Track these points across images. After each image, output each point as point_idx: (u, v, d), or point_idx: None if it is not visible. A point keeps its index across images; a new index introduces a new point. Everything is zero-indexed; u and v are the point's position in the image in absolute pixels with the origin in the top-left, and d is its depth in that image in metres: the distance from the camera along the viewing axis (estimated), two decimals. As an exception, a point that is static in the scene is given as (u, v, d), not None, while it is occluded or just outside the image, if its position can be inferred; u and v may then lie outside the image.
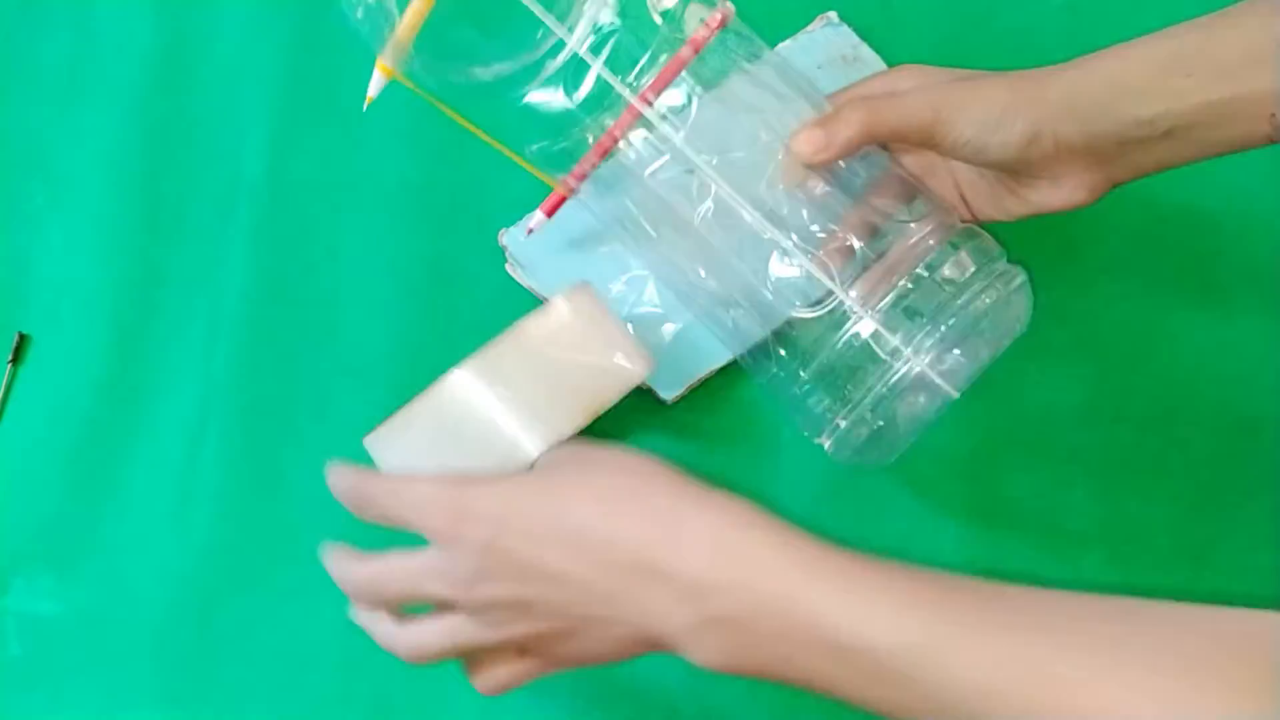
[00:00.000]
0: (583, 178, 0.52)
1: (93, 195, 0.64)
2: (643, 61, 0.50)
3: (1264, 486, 0.59)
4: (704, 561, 0.40)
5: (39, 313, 0.63)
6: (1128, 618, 0.38)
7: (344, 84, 0.66)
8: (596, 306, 0.51)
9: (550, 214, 0.54)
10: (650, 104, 0.50)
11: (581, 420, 0.50)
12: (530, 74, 0.50)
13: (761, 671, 0.41)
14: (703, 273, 0.53)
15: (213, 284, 0.63)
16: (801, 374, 0.51)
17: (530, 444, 0.48)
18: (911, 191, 0.52)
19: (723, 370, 0.59)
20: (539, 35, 0.49)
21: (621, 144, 0.51)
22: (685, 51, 0.50)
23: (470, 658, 0.47)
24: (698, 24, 0.50)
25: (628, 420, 0.59)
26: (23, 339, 0.62)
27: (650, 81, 0.50)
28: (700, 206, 0.51)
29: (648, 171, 0.51)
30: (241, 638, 0.58)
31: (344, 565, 0.47)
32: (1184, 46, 0.48)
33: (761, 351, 0.53)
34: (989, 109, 0.48)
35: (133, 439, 0.61)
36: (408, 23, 0.49)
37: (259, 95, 0.65)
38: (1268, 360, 0.61)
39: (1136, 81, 0.48)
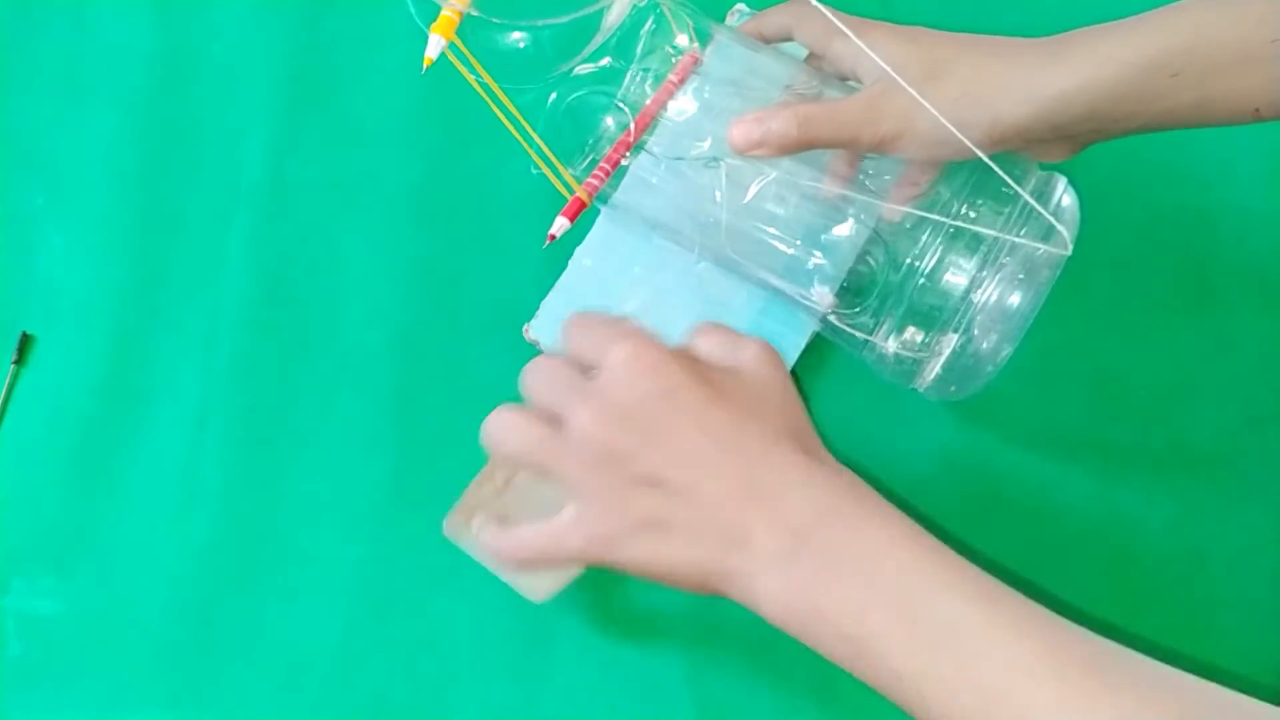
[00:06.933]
0: (605, 176, 0.52)
1: (93, 195, 0.64)
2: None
3: (1264, 486, 0.59)
4: (809, 513, 0.41)
5: (40, 313, 0.63)
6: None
7: (344, 84, 0.66)
8: None
9: (573, 219, 0.54)
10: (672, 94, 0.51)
11: None
12: (575, 47, 0.51)
13: (820, 616, 0.40)
14: (775, 235, 0.53)
15: (213, 284, 0.63)
16: (890, 317, 0.52)
17: None
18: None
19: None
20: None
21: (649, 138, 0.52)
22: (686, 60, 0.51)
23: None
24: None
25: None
26: (26, 339, 0.62)
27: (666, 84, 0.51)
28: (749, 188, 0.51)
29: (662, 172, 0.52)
30: (241, 638, 0.58)
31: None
32: (1173, 44, 0.46)
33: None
34: (943, 121, 0.46)
35: (133, 439, 0.61)
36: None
37: (259, 96, 0.65)
38: (1268, 360, 0.61)
39: (1116, 86, 0.46)
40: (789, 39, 0.54)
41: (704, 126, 0.52)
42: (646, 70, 0.53)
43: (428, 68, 0.48)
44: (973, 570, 0.40)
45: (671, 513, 0.42)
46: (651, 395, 0.42)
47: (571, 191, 0.53)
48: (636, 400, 0.42)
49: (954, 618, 0.39)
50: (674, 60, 0.53)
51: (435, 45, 0.48)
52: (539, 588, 0.55)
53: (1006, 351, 0.50)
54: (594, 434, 0.43)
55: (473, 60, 0.49)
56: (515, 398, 0.47)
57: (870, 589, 0.40)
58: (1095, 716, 0.36)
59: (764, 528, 0.41)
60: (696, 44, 0.53)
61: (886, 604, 0.39)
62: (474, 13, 0.48)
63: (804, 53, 0.55)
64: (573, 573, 0.54)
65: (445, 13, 0.48)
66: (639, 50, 0.53)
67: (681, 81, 0.52)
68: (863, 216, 0.52)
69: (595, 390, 0.43)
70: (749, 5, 0.65)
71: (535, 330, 0.60)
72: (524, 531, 0.45)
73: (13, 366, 0.61)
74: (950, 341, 0.50)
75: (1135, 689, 0.37)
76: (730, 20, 0.65)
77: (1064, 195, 0.51)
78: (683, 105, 0.53)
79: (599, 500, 0.43)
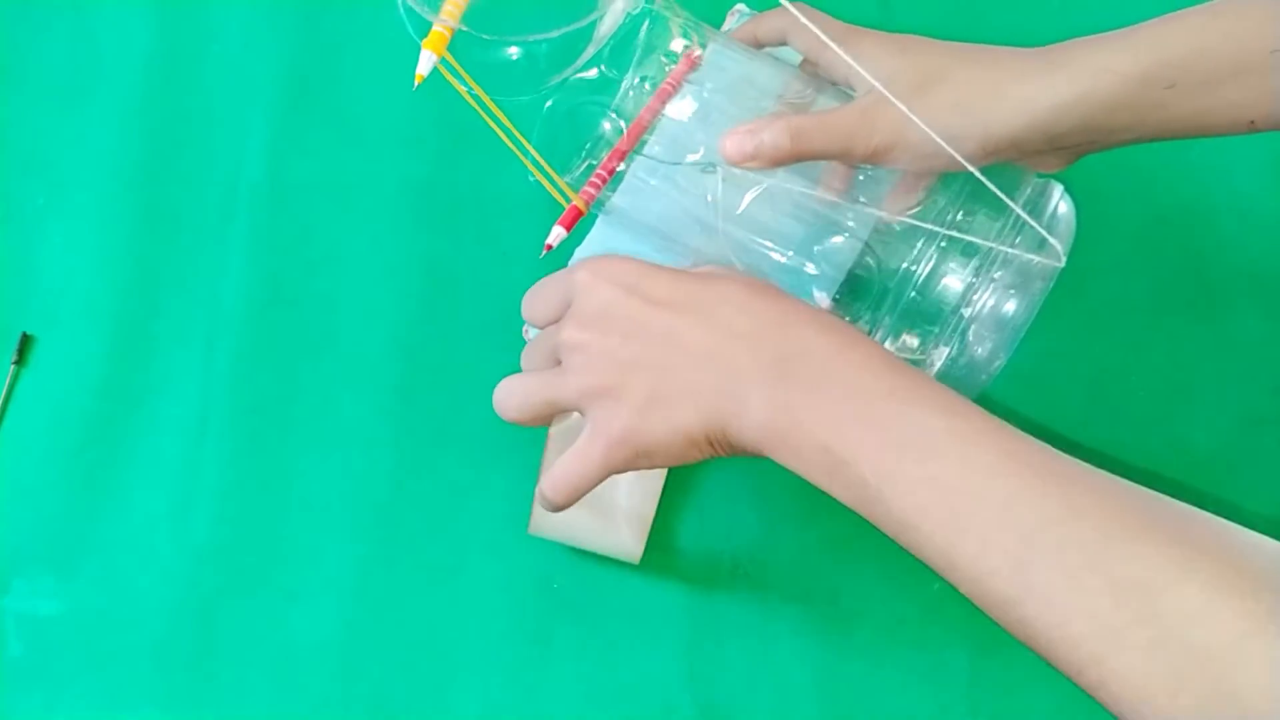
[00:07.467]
0: (601, 184, 0.52)
1: (93, 196, 0.65)
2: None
3: (1264, 486, 0.59)
4: (790, 344, 0.43)
5: (40, 313, 0.63)
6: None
7: (344, 85, 0.66)
8: None
9: (569, 228, 0.54)
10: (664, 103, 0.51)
11: None
12: (568, 57, 0.51)
13: (801, 429, 0.41)
14: (770, 243, 0.53)
15: (213, 284, 0.63)
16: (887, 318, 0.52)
17: None
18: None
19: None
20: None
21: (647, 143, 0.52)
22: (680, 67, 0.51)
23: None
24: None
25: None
26: (26, 339, 0.62)
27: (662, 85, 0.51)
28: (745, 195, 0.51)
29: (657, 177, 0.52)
30: (241, 638, 0.58)
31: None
32: (1169, 55, 0.46)
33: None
34: (937, 131, 0.46)
35: (133, 439, 0.61)
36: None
37: (259, 96, 0.66)
38: (1267, 360, 0.61)
39: (1112, 97, 0.46)
40: (785, 43, 0.54)
41: (697, 135, 0.52)
42: (642, 78, 0.53)
43: (419, 84, 0.48)
44: (943, 389, 0.42)
45: (667, 382, 0.43)
46: (619, 293, 0.44)
47: (568, 200, 0.53)
48: (606, 301, 0.45)
49: (920, 425, 0.40)
50: (668, 68, 0.53)
51: (427, 61, 0.48)
52: (625, 545, 0.57)
53: (1001, 360, 0.50)
54: (578, 340, 0.45)
55: (465, 75, 0.49)
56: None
57: (847, 403, 0.41)
58: (1043, 503, 0.38)
59: (749, 359, 0.42)
60: (696, 45, 0.53)
61: (860, 416, 0.41)
62: (465, 29, 0.48)
63: (800, 57, 0.55)
64: (646, 515, 0.56)
65: (436, 29, 0.48)
66: (634, 58, 0.52)
67: (676, 86, 0.52)
68: (858, 224, 0.52)
69: (571, 312, 0.46)
70: (749, 6, 0.65)
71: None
72: (554, 469, 0.46)
73: (13, 366, 0.62)
74: (944, 351, 0.50)
75: (1085, 486, 0.39)
76: (730, 21, 0.65)
77: (1060, 203, 0.51)
78: (677, 112, 0.52)
79: (602, 402, 0.44)
